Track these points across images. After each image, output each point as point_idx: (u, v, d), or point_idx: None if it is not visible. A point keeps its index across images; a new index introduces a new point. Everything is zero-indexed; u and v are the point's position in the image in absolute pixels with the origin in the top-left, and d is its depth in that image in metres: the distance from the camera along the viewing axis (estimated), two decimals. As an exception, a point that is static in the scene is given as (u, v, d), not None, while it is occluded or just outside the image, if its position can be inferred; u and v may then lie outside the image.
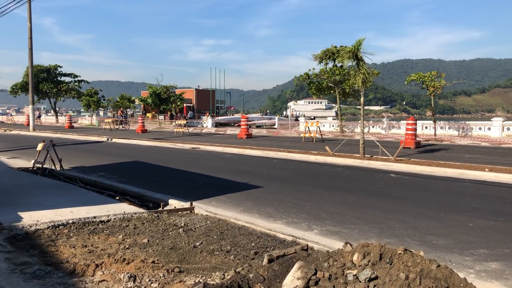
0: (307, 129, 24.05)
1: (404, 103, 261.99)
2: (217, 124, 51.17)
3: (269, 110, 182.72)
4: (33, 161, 14.12)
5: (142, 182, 10.96)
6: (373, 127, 35.29)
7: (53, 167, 13.51)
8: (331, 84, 34.04)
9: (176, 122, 33.69)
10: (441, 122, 32.82)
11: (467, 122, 31.05)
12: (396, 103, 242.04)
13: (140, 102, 54.99)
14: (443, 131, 30.95)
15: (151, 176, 12.12)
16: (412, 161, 12.80)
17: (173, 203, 8.55)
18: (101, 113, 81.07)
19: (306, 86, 35.95)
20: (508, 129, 28.44)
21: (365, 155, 13.83)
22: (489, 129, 28.91)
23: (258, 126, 51.40)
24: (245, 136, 26.63)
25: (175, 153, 18.42)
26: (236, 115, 69.90)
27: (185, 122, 33.71)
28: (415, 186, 10.00)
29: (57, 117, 65.81)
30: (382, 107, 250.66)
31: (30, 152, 19.64)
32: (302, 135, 24.40)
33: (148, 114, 70.60)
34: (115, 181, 11.25)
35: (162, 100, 52.05)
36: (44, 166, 13.58)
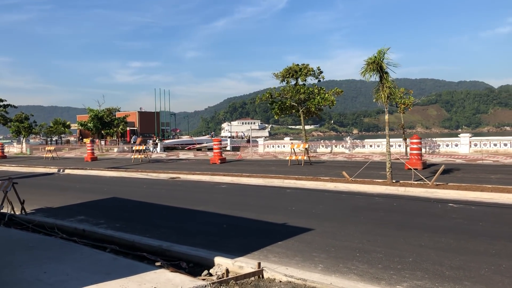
0: (292, 151, 22.22)
1: (332, 121, 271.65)
2: (166, 149, 48.19)
3: (204, 132, 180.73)
4: (-16, 205, 11.15)
5: (145, 228, 8.87)
6: (336, 146, 34.31)
7: (12, 212, 10.72)
8: (294, 104, 32.67)
9: (135, 148, 30.49)
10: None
11: (434, 139, 30.84)
12: (325, 122, 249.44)
13: (80, 127, 50.59)
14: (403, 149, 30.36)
15: (150, 219, 10.00)
16: (454, 186, 11.40)
17: (223, 263, 6.38)
18: (31, 140, 74.46)
19: (269, 106, 34.27)
20: (476, 144, 28.43)
21: (392, 180, 12.16)
22: (456, 145, 28.80)
23: (209, 149, 49.03)
24: (219, 161, 24.34)
25: (155, 185, 15.90)
26: (183, 138, 66.90)
27: (144, 148, 30.67)
28: (498, 219, 8.43)
29: (-23, 147, 59.18)
30: (312, 126, 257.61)
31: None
32: (288, 157, 22.55)
33: (85, 140, 65.80)
34: (109, 229, 8.88)
35: (105, 124, 48.33)
36: (1, 210, 10.73)
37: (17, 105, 62.05)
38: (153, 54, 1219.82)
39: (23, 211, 10.91)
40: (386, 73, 11.85)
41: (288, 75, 32.18)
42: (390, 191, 11.71)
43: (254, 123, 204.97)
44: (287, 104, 32.65)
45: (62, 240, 8.07)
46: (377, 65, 11.60)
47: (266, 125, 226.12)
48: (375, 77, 11.95)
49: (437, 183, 11.67)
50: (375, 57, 11.72)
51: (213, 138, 59.20)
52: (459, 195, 10.51)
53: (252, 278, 5.76)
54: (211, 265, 6.42)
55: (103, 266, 5.98)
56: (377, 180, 13.01)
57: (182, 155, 38.30)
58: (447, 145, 29.32)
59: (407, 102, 26.81)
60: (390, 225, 8.26)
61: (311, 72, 32.12)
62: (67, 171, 22.81)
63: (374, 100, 30.14)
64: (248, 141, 52.01)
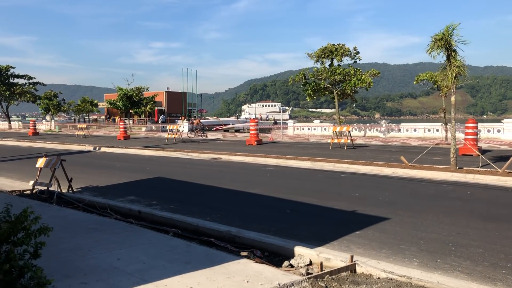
0: (334, 133, 21.40)
1: (354, 105, 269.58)
2: (193, 129, 47.79)
3: (225, 113, 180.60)
4: (32, 182, 10.90)
5: (203, 210, 8.43)
6: (370, 130, 33.28)
7: (59, 190, 10.34)
8: (328, 85, 31.66)
9: (169, 128, 30.08)
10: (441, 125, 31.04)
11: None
12: (347, 106, 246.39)
13: (109, 105, 50.45)
14: (443, 134, 29.17)
15: (205, 201, 9.49)
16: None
17: (305, 254, 5.81)
18: (56, 118, 75.10)
19: (302, 87, 33.29)
20: None
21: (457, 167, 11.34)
22: (498, 131, 27.49)
23: (236, 130, 48.57)
24: (255, 142, 23.69)
25: (197, 165, 15.42)
26: (210, 119, 66.45)
27: (178, 127, 30.27)
28: None
29: (9, 123, 59.72)
30: (333, 109, 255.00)
31: (7, 166, 16.00)
32: (329, 140, 21.73)
33: (116, 118, 65.80)
34: (165, 211, 8.35)
35: (134, 103, 48.04)
36: (49, 188, 10.34)
37: (41, 83, 62.07)
38: (174, 34, 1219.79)
39: (70, 189, 10.51)
40: (455, 51, 10.90)
41: (323, 55, 31.10)
42: (457, 178, 10.90)
43: (275, 105, 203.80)
44: (321, 86, 31.71)
45: (122, 222, 7.57)
46: (445, 42, 10.66)
47: (287, 107, 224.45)
48: (443, 55, 10.99)
49: (508, 170, 10.81)
50: (443, 33, 10.77)
51: (239, 120, 58.72)
52: (539, 185, 9.67)
53: (345, 273, 5.14)
54: (290, 255, 5.84)
55: (178, 254, 5.45)
56: (438, 166, 12.19)
57: (211, 136, 37.81)
58: (489, 131, 28.08)
59: (449, 85, 25.57)
60: (473, 216, 7.53)
61: (347, 52, 30.98)
62: (103, 149, 22.54)
63: (414, 82, 29.16)
64: (275, 123, 51.32)
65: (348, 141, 20.56)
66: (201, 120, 50.94)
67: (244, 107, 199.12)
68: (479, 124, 30.64)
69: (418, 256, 5.61)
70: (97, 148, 22.84)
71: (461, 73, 10.97)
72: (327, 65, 31.32)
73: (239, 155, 17.07)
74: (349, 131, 21.09)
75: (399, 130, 32.15)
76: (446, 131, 26.68)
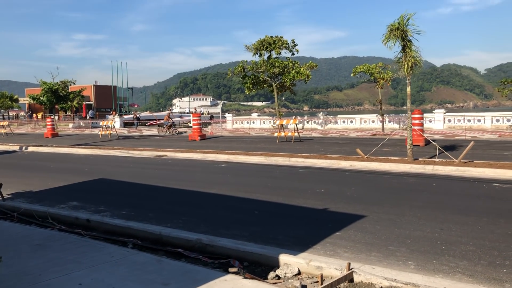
0: (281, 127, 20.98)
1: (284, 98, 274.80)
2: (125, 124, 45.69)
3: (153, 108, 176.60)
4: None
5: (161, 216, 7.59)
6: (308, 122, 33.50)
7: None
8: (267, 78, 31.32)
9: (103, 123, 28.17)
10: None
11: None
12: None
13: (32, 101, 46.73)
14: (378, 125, 30.03)
15: (161, 205, 8.72)
16: (484, 164, 10.73)
17: (293, 262, 5.34)
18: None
19: (240, 80, 32.67)
20: (449, 120, 28.50)
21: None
22: (430, 121, 28.71)
23: (172, 125, 46.96)
24: (199, 137, 22.75)
25: (142, 164, 14.35)
26: (143, 114, 63.75)
27: (113, 123, 28.44)
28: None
29: None
30: (264, 103, 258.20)
31: None
32: (276, 134, 21.28)
33: (38, 114, 61.32)
34: (117, 218, 7.51)
35: (59, 98, 44.87)
36: (-26, 197, 9.01)
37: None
38: (98, 26, 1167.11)
39: (1, 197, 9.17)
40: (410, 41, 10.77)
41: (261, 48, 30.71)
42: (416, 170, 10.84)
43: (206, 99, 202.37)
44: (260, 79, 31.31)
45: (71, 235, 6.57)
46: (401, 32, 10.49)
47: (218, 101, 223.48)
48: (398, 45, 10.82)
49: (465, 160, 10.91)
50: (398, 23, 10.60)
51: (173, 114, 56.95)
52: (496, 173, 9.79)
53: (344, 284, 4.63)
54: (274, 264, 5.25)
55: (151, 273, 4.67)
56: (394, 158, 12.12)
57: (146, 131, 36.30)
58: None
59: (386, 77, 26.25)
60: (449, 209, 7.34)
61: (286, 45, 30.82)
62: (30, 148, 20.58)
63: (352, 75, 29.58)
64: (212, 117, 50.31)
65: (296, 134, 20.30)
66: (138, 115, 49.04)
67: (175, 101, 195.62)
68: (404, 115, 31.97)
69: (411, 258, 5.22)
70: (24, 147, 20.80)
71: (417, 64, 10.88)
72: (265, 57, 31.05)
73: (186, 151, 16.16)
74: (296, 124, 20.83)
75: (336, 122, 32.67)
76: (383, 122, 27.39)
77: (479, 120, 27.74)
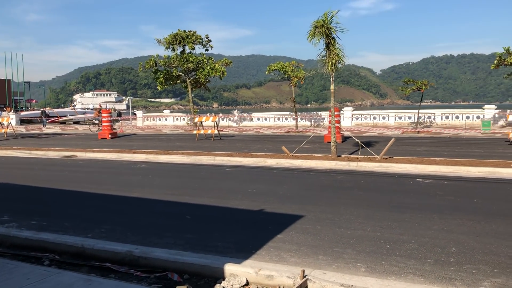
0: (200, 124, 20.25)
1: (193, 95, 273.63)
2: (22, 121, 41.96)
3: (51, 104, 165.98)
4: None
5: (78, 224, 6.78)
6: (223, 119, 33.16)
7: None
8: (181, 73, 30.38)
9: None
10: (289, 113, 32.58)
11: (319, 113, 31.62)
12: (186, 96, 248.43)
13: None
14: (291, 123, 30.72)
15: (78, 211, 7.80)
16: (404, 159, 11.11)
17: (240, 272, 5.05)
18: None
19: (152, 75, 31.32)
20: (357, 118, 29.86)
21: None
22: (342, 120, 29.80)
23: (75, 122, 44.14)
24: (110, 135, 21.25)
25: (50, 165, 12.99)
26: (46, 110, 58.72)
27: (9, 121, 25.53)
28: (487, 195, 8.15)
29: None
30: (172, 99, 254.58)
31: None
32: (195, 132, 20.49)
33: None
34: (26, 229, 6.70)
35: None
36: None
37: None
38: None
39: None
40: (334, 38, 10.81)
41: (174, 42, 29.68)
42: (341, 167, 10.94)
43: (110, 95, 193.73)
44: (173, 74, 30.25)
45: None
46: (326, 29, 10.47)
47: (124, 97, 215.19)
48: (323, 43, 10.81)
49: (386, 156, 11.22)
50: (323, 20, 10.58)
51: (77, 111, 53.54)
52: (417, 169, 10.17)
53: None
54: (219, 275, 4.82)
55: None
56: (318, 155, 12.18)
57: (46, 129, 33.51)
58: (332, 119, 30.27)
59: (299, 75, 26.72)
60: (383, 206, 7.39)
61: (199, 40, 30.14)
62: None
63: (266, 72, 29.69)
64: (120, 114, 47.94)
65: (215, 131, 19.76)
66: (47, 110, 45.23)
67: (76, 96, 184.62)
68: (326, 112, 32.95)
69: (359, 259, 5.05)
70: None
71: (341, 61, 10.96)
72: (178, 52, 30.10)
73: (97, 151, 14.93)
74: (216, 122, 20.31)
75: (251, 119, 32.74)
76: (296, 120, 27.89)
77: (383, 118, 29.44)
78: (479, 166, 9.81)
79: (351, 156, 11.96)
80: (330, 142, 16.60)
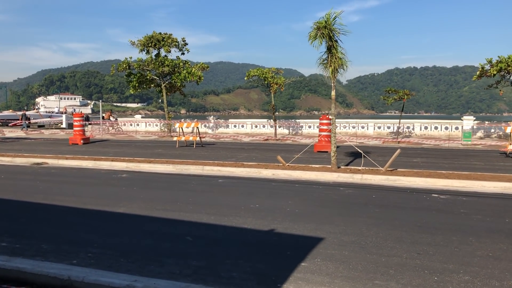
0: (180, 130, 19.06)
1: (160, 100, 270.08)
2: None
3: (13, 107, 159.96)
4: None
5: (60, 248, 5.74)
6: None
7: None
8: (155, 77, 29.12)
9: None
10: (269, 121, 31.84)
11: (297, 121, 31.01)
12: (153, 101, 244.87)
13: None
14: (269, 130, 29.98)
15: (57, 231, 6.86)
16: (410, 172, 10.46)
17: None
18: None
19: (125, 78, 29.90)
20: (336, 127, 29.34)
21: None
22: (317, 127, 29.23)
23: (40, 126, 41.98)
24: (82, 141, 19.81)
25: (17, 174, 11.69)
26: (5, 112, 55.69)
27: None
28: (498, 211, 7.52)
29: None
30: (139, 105, 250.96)
31: None
32: (175, 138, 19.30)
33: None
34: None
35: None
36: None
37: None
38: None
39: None
40: (336, 41, 10.06)
41: (149, 44, 28.42)
42: (345, 179, 10.15)
43: (75, 98, 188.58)
44: (147, 77, 28.94)
45: None
46: (328, 31, 9.70)
47: (89, 101, 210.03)
48: (325, 45, 10.04)
49: (390, 168, 10.51)
50: (325, 21, 9.81)
51: (41, 114, 51.03)
52: (427, 183, 9.51)
53: None
54: None
55: None
56: (316, 166, 11.36)
57: (9, 132, 31.56)
58: (309, 127, 29.78)
59: (279, 82, 26.00)
60: (408, 226, 6.63)
61: (175, 43, 28.99)
62: None
63: (246, 78, 28.81)
64: (88, 118, 45.85)
65: (197, 138, 18.66)
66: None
67: (39, 99, 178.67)
68: (305, 120, 32.42)
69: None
70: None
71: (344, 65, 10.21)
72: (153, 55, 28.85)
73: (71, 158, 13.64)
74: (198, 128, 19.22)
75: (227, 126, 31.79)
76: (275, 127, 27.12)
77: (362, 127, 29.11)
78: (492, 180, 9.25)
79: (353, 167, 11.21)
80: (320, 152, 16.03)
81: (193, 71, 28.60)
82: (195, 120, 25.95)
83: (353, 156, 14.58)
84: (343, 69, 10.32)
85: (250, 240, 6.04)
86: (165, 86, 29.20)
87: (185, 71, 28.54)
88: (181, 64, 29.16)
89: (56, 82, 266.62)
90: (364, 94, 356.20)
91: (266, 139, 24.97)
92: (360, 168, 10.91)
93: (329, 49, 10.14)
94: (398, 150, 10.91)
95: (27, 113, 44.52)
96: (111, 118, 34.46)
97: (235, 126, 31.48)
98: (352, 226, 6.56)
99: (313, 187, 9.60)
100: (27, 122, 37.68)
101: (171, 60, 28.73)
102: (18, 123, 43.68)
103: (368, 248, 5.62)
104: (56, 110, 70.41)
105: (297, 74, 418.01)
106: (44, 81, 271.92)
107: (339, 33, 10.00)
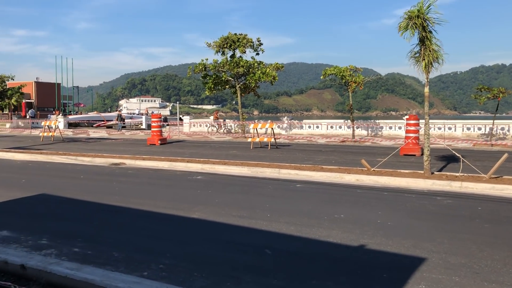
0: (255, 131, 18.72)
1: (234, 102, 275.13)
2: (70, 125, 41.97)
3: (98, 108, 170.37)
4: None
5: (128, 255, 5.35)
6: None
7: None
8: (230, 78, 29.08)
9: (46, 124, 24.63)
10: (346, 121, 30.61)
11: (377, 121, 29.49)
12: (227, 103, 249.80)
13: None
14: (345, 131, 28.72)
15: (128, 237, 6.36)
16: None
17: None
18: None
19: (201, 79, 30.23)
20: (430, 128, 27.51)
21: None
22: (399, 128, 27.67)
23: (123, 127, 43.79)
24: (159, 141, 20.13)
25: (96, 175, 11.81)
26: (90, 114, 59.39)
27: (57, 124, 25.02)
28: None
29: None
30: (214, 106, 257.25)
31: None
32: (250, 139, 19.05)
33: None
34: (66, 259, 5.53)
35: (-5, 95, 40.47)
36: None
37: None
38: (39, 22, 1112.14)
39: None
40: (430, 32, 8.99)
41: (224, 45, 28.48)
42: (441, 187, 9.04)
43: (155, 100, 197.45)
44: (222, 78, 29.02)
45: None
46: (422, 20, 8.67)
47: (167, 103, 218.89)
48: (417, 37, 9.01)
49: (494, 176, 9.23)
50: (418, 10, 8.78)
51: (123, 115, 53.45)
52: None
53: None
54: None
55: None
56: (405, 171, 10.30)
57: (93, 133, 33.12)
58: (390, 128, 28.23)
59: (358, 81, 24.80)
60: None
61: (250, 43, 28.79)
62: (-46, 152, 17.12)
63: (322, 77, 27.89)
64: (166, 119, 47.33)
65: (272, 140, 18.18)
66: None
67: (122, 102, 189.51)
68: (385, 121, 30.79)
69: None
70: None
71: (439, 60, 9.10)
72: (228, 56, 28.85)
73: (148, 159, 13.66)
74: (273, 129, 18.73)
75: (302, 126, 31.00)
76: (353, 128, 25.91)
77: (449, 128, 27.02)
78: None
79: (448, 174, 10.00)
80: (407, 155, 14.80)
81: (267, 71, 28.23)
82: (269, 121, 25.40)
83: (444, 160, 13.22)
84: (438, 63, 9.22)
85: (337, 257, 5.29)
86: (239, 87, 29.11)
87: (259, 72, 28.24)
88: (255, 64, 28.92)
89: (137, 85, 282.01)
90: (445, 94, 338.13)
91: (343, 141, 23.88)
92: (457, 174, 9.67)
93: (422, 41, 9.07)
94: (506, 155, 9.51)
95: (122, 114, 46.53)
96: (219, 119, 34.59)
97: (309, 127, 30.63)
98: (459, 245, 5.58)
99: (404, 195, 8.61)
100: (122, 123, 39.41)
101: (246, 60, 28.59)
102: (102, 124, 46.07)
103: (484, 274, 4.65)
104: (136, 111, 73.71)
105: (373, 73, 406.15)
106: (126, 84, 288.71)
107: (433, 23, 8.93)
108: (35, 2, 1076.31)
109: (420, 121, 16.14)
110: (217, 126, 31.45)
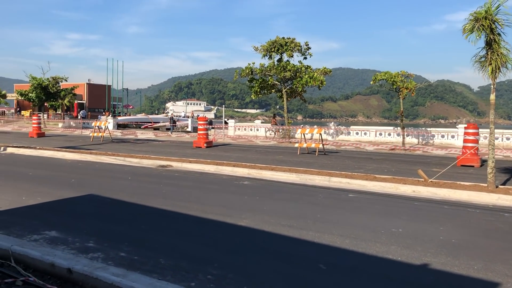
0: (302, 136, 18.41)
1: (278, 107, 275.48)
2: (119, 126, 43.04)
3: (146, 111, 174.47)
4: None
5: (175, 263, 5.16)
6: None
7: None
8: (276, 82, 28.82)
9: (95, 124, 25.34)
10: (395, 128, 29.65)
11: (428, 129, 28.35)
12: (271, 107, 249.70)
13: (20, 97, 43.69)
14: (395, 139, 27.73)
15: (173, 242, 6.17)
16: None
17: None
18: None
19: (247, 83, 30.16)
20: (486, 138, 26.17)
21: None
22: (452, 136, 26.41)
23: (168, 129, 44.49)
24: (205, 144, 20.16)
25: (143, 176, 11.81)
26: (138, 116, 60.98)
27: (106, 125, 25.71)
28: None
29: None
30: (258, 110, 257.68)
31: None
32: (297, 145, 18.73)
33: (24, 112, 58.21)
34: (112, 265, 5.45)
35: (49, 95, 41.92)
36: None
37: None
38: (92, 26, 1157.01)
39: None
40: (499, 34, 8.35)
41: (272, 49, 28.26)
42: (509, 203, 8.38)
43: (200, 104, 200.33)
44: (268, 82, 28.82)
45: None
46: (489, 22, 8.06)
47: (212, 107, 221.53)
48: (483, 40, 8.39)
49: None
50: (486, 11, 8.17)
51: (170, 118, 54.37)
52: None
53: None
54: None
55: None
56: (466, 184, 9.64)
57: (141, 134, 33.73)
58: (443, 136, 27.03)
59: (410, 87, 23.92)
60: None
61: (298, 47, 28.45)
62: (10, 149, 17.86)
63: (372, 82, 27.19)
64: (211, 122, 47.65)
65: (320, 145, 17.74)
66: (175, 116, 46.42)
67: (169, 104, 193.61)
68: (437, 129, 29.57)
69: None
70: (2, 148, 18.06)
71: (506, 64, 8.43)
72: (275, 60, 28.61)
73: (194, 161, 13.60)
74: (321, 134, 18.29)
75: (349, 133, 30.26)
76: (403, 135, 24.99)
77: (508, 138, 25.51)
78: None
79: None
80: (465, 166, 13.97)
81: (315, 75, 27.73)
82: (317, 126, 24.88)
83: (508, 172, 12.35)
84: (507, 68, 8.52)
85: (397, 277, 4.87)
86: (285, 91, 28.79)
87: (306, 76, 27.82)
88: (303, 68, 28.52)
89: (184, 88, 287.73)
90: (499, 102, 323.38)
91: (393, 149, 23.05)
92: (525, 189, 8.94)
93: (489, 44, 8.42)
94: None
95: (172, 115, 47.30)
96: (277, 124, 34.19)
97: (357, 133, 29.83)
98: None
99: (467, 210, 8.00)
100: (173, 125, 40.04)
101: (293, 65, 28.25)
102: (150, 125, 47.03)
103: None
104: (182, 114, 74.82)
105: (422, 80, 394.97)
106: (173, 88, 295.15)
107: (502, 24, 8.27)
108: (89, 7, 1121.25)
109: (480, 130, 15.22)
110: (274, 131, 31.28)
